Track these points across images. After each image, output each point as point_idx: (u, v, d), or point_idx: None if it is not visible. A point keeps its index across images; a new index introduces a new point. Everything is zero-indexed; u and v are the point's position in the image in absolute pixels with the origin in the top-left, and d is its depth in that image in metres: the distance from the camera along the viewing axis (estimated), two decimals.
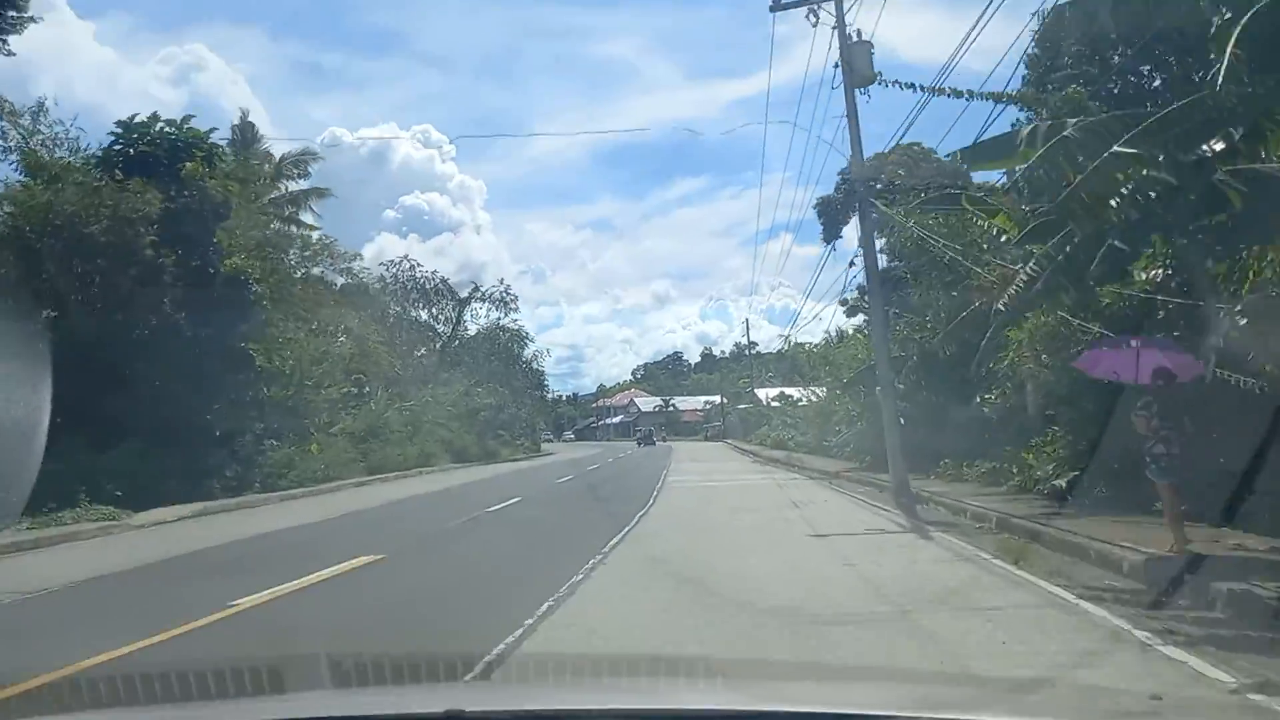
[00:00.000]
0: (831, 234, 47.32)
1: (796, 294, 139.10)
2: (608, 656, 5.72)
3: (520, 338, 58.56)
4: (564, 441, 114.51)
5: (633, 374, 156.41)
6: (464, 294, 54.07)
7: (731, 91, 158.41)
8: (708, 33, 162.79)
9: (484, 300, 54.35)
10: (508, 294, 56.07)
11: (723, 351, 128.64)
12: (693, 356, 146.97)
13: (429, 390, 49.28)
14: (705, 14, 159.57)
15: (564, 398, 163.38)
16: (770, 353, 79.49)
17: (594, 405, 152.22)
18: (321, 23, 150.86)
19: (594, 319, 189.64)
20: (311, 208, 36.72)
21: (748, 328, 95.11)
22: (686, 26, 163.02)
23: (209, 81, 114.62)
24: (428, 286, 51.33)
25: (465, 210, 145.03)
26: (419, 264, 51.92)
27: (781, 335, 69.39)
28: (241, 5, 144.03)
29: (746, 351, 79.28)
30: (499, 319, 55.93)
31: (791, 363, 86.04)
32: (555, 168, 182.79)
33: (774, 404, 61.37)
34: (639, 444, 74.54)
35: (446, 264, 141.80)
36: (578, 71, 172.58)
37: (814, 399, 38.68)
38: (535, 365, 67.39)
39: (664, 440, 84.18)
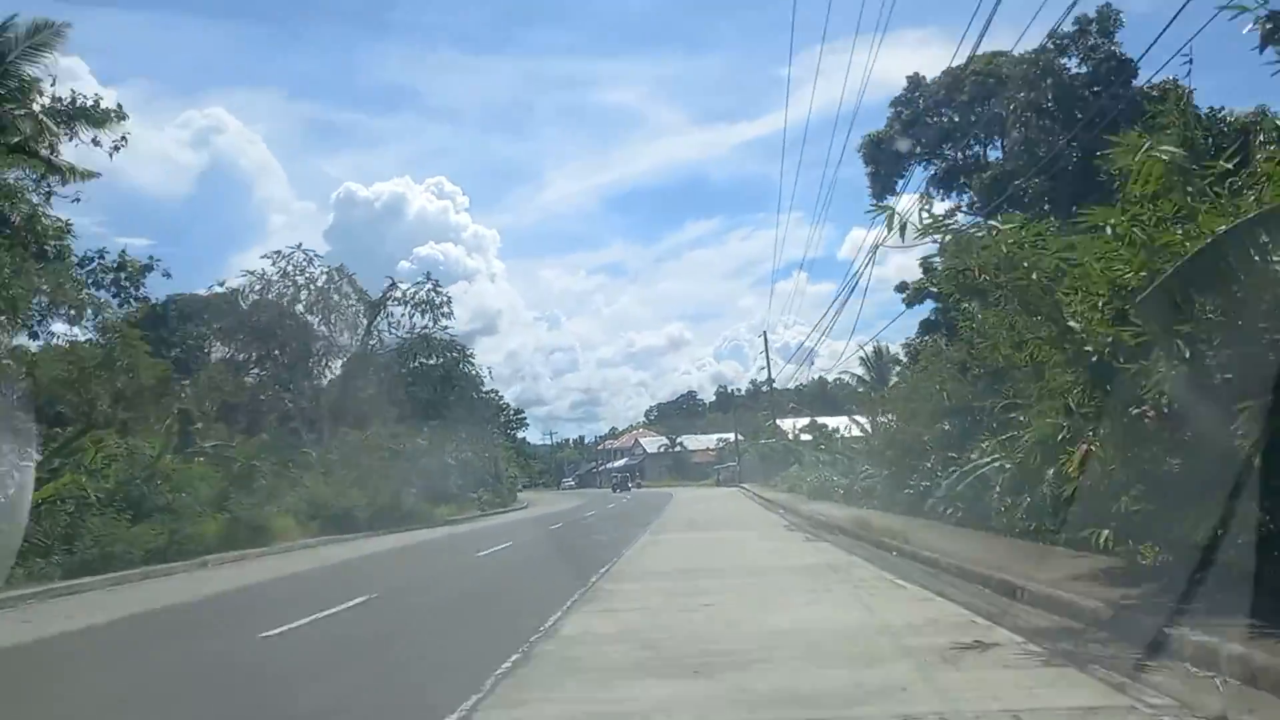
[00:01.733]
0: (883, 187, 33.82)
1: (811, 331, 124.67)
2: None
3: (453, 349, 44.27)
4: (562, 490, 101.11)
5: (645, 415, 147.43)
6: (378, 295, 39.55)
7: (738, 134, 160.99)
8: (711, 78, 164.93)
9: (404, 303, 39.92)
10: (436, 291, 41.37)
11: (738, 390, 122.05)
12: (708, 396, 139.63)
13: (320, 428, 35.20)
14: (708, 60, 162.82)
15: (569, 442, 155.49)
16: (788, 389, 69.62)
17: (599, 448, 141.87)
18: (335, 82, 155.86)
19: (608, 363, 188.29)
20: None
21: (766, 344, 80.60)
22: (690, 73, 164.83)
23: (227, 144, 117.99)
24: (329, 286, 36.91)
25: (480, 259, 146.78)
26: (316, 254, 37.45)
27: (803, 361, 56.19)
28: (257, 68, 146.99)
29: (765, 385, 65.02)
30: (425, 326, 41.31)
31: (821, 392, 74.08)
32: (567, 214, 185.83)
33: (803, 436, 47.36)
34: (614, 490, 73.73)
35: (462, 312, 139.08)
36: (586, 119, 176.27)
37: (883, 424, 24.44)
38: (488, 393, 53.11)
39: (638, 486, 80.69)
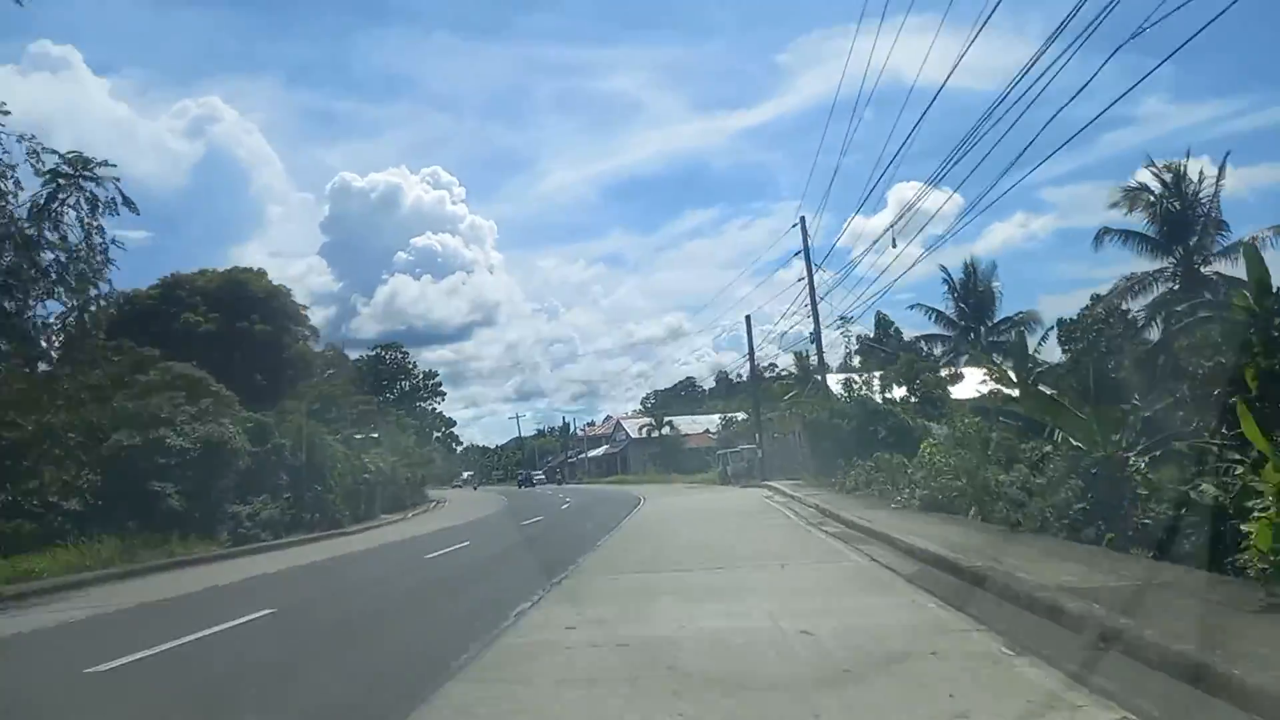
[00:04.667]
0: None
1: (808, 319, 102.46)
2: None
3: None
4: (526, 486, 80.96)
5: (642, 403, 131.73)
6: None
7: (737, 122, 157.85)
8: (711, 65, 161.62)
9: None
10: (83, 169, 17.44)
11: (739, 376, 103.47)
12: (708, 384, 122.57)
13: None
14: (707, 47, 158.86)
15: (544, 432, 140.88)
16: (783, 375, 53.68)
17: (584, 435, 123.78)
18: (331, 71, 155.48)
19: (608, 354, 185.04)
20: None
21: (803, 227, 57.14)
22: (689, 60, 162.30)
23: (223, 133, 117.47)
24: None
25: (477, 250, 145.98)
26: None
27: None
28: (253, 57, 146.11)
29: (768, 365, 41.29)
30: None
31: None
32: (565, 204, 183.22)
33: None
34: (520, 485, 71.61)
35: (460, 304, 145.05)
36: (584, 108, 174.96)
37: None
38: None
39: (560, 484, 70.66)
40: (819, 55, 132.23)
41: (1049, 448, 13.26)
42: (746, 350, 48.15)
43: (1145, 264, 33.66)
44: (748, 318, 41.73)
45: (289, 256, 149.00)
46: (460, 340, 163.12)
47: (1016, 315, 46.10)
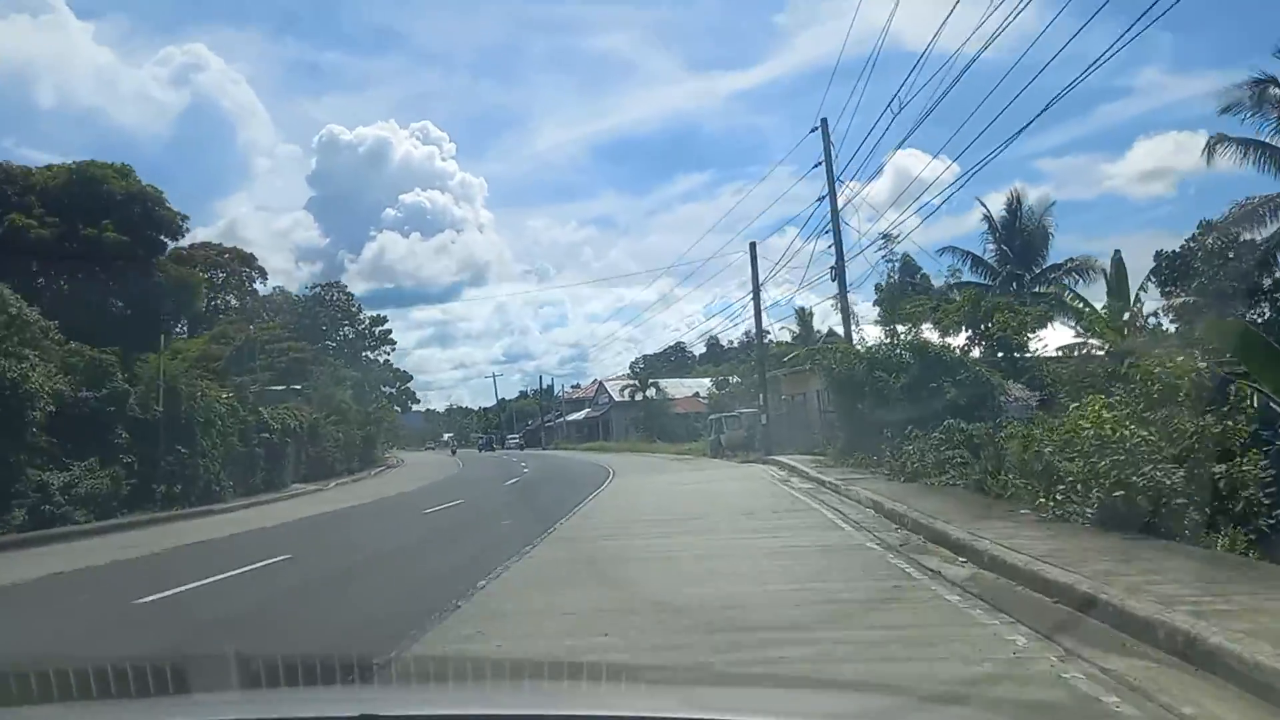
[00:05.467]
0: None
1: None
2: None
3: None
4: (504, 450, 78.42)
5: (630, 368, 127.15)
6: None
7: (731, 83, 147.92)
8: (705, 23, 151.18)
9: None
10: None
11: (731, 342, 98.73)
12: (698, 349, 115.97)
13: None
14: (702, 4, 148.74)
15: (526, 393, 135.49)
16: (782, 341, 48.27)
17: (566, 398, 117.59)
18: (319, 22, 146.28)
19: (597, 317, 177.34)
20: None
21: (825, 132, 49.36)
22: (683, 19, 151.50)
23: (209, 82, 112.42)
24: None
25: (467, 209, 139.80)
26: None
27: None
28: (239, 6, 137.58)
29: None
30: None
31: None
32: (557, 164, 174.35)
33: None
34: (479, 449, 73.00)
35: (450, 263, 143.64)
36: (577, 66, 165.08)
37: None
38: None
39: (532, 447, 69.77)
40: (816, 15, 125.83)
41: None
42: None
43: (1269, 185, 26.12)
44: (752, 245, 34.05)
45: (275, 210, 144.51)
46: (449, 300, 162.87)
47: (1069, 262, 38.52)
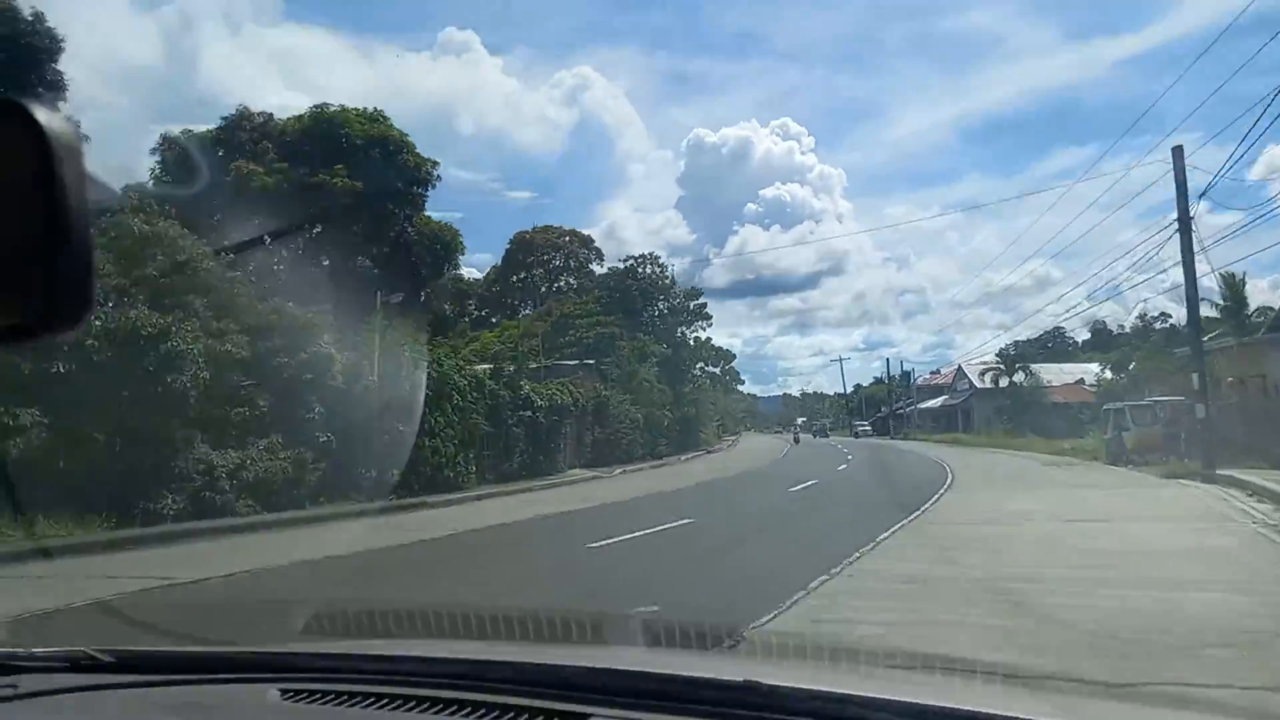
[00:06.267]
0: None
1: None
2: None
3: None
4: (821, 437, 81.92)
5: (998, 355, 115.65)
6: None
7: (1117, 49, 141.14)
8: None
9: None
10: None
11: (1122, 327, 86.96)
12: (1081, 335, 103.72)
13: None
14: None
15: (881, 379, 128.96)
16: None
17: (921, 385, 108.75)
18: (686, 34, 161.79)
19: (962, 304, 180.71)
20: None
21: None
22: None
23: (593, 99, 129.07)
24: None
25: (826, 200, 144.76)
26: None
27: None
28: (617, 28, 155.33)
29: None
30: None
31: None
32: (917, 150, 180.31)
33: None
34: (815, 436, 74.80)
35: (808, 253, 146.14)
36: (936, 48, 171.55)
37: None
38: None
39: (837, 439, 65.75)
40: None
41: None
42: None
43: None
44: (1177, 148, 22.53)
45: (649, 211, 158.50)
46: (807, 289, 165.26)
47: None
